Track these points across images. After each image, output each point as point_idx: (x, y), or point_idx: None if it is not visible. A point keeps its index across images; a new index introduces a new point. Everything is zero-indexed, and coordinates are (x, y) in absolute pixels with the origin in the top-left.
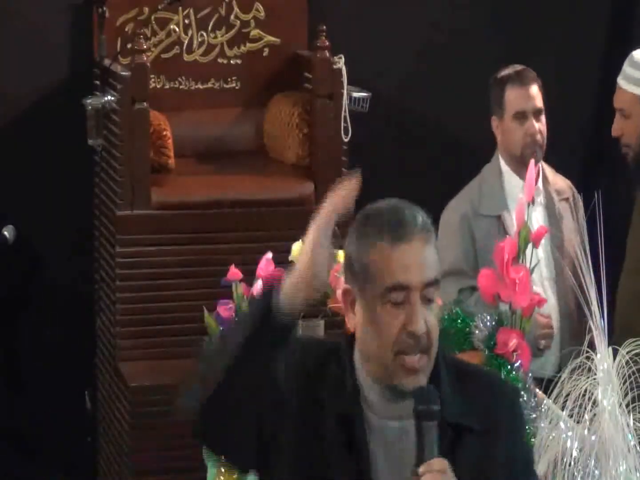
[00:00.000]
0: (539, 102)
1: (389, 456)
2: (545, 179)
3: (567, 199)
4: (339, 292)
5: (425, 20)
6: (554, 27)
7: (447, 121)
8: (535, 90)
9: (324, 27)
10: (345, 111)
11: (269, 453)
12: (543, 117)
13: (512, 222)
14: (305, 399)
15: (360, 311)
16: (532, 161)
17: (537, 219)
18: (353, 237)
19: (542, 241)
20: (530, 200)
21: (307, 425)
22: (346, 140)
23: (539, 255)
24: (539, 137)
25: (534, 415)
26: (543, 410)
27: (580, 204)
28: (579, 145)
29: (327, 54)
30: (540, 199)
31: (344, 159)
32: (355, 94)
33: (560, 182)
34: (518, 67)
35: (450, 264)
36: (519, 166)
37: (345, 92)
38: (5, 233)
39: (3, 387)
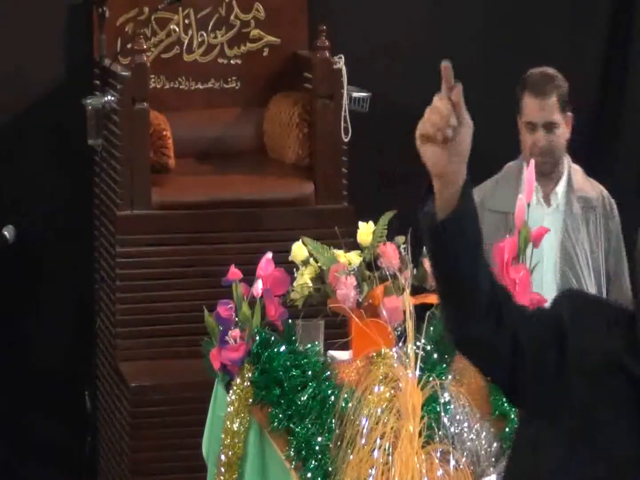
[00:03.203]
0: (552, 115)
1: None
2: (570, 186)
3: (594, 208)
4: (339, 293)
5: (425, 20)
6: (555, 28)
7: None
8: (552, 102)
9: (324, 27)
10: (345, 111)
11: (533, 376)
12: (559, 129)
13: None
14: (592, 345)
15: None
16: (532, 162)
17: (552, 223)
18: None
19: (549, 246)
20: (529, 200)
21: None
22: (346, 140)
23: (544, 261)
24: (545, 149)
25: None
26: None
27: (615, 212)
28: (579, 146)
29: (327, 54)
30: (558, 204)
31: (344, 159)
32: (355, 94)
33: (590, 190)
34: (546, 70)
35: None
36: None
37: (345, 92)
38: (5, 233)
39: (3, 387)
